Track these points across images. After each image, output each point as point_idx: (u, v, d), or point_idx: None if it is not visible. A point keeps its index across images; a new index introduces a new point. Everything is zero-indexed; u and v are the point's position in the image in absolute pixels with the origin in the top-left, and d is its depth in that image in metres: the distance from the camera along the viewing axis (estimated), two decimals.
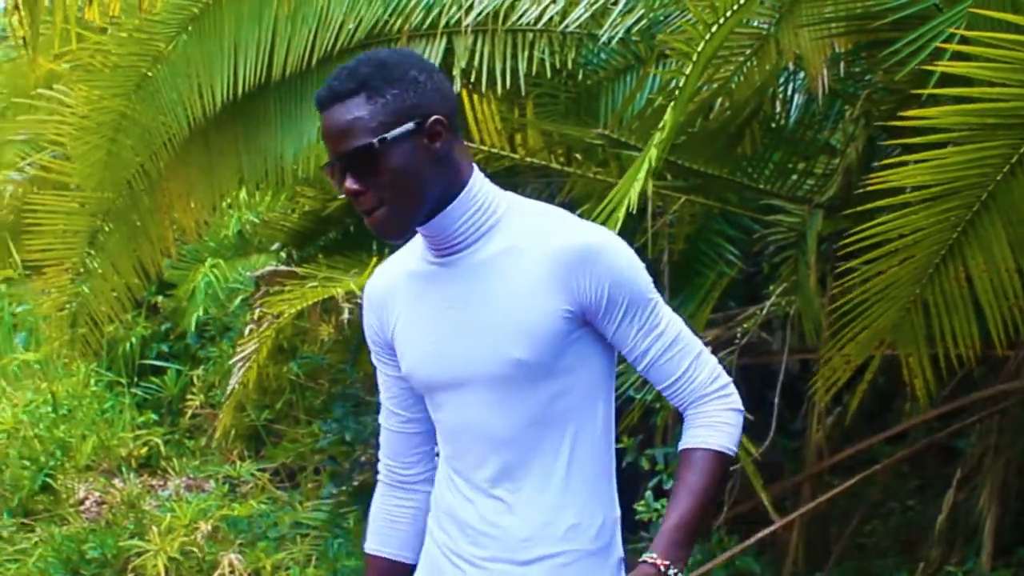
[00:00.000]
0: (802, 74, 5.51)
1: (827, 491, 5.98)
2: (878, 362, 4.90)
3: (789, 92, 5.72)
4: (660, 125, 4.38)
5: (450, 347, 2.68)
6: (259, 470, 8.59)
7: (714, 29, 4.37)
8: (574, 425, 2.68)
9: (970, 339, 4.49)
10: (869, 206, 4.24)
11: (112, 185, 6.64)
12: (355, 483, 7.69)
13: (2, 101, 11.70)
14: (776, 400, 5.84)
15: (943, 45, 4.20)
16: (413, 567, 2.91)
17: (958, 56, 4.20)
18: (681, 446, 2.72)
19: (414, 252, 2.77)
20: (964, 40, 3.94)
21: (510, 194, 2.71)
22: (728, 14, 4.35)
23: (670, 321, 2.69)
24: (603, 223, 4.16)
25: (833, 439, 6.09)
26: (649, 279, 2.68)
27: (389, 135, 2.52)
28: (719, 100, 5.62)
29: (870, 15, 4.86)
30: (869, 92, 5.43)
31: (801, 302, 5.54)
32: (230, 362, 6.54)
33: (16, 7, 5.13)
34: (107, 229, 6.81)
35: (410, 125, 2.54)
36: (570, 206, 6.10)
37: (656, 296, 2.68)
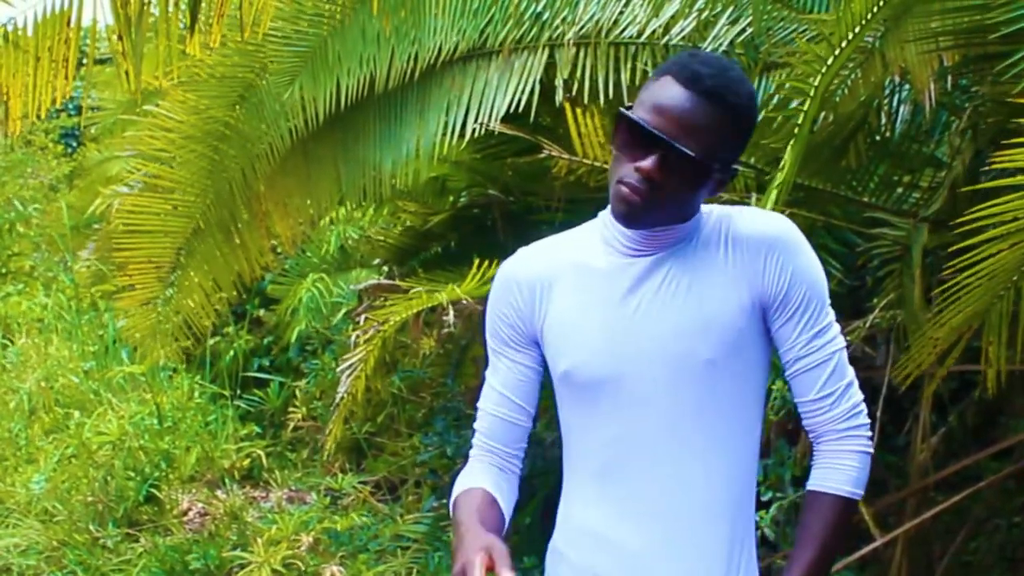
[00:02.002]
0: (908, 86, 5.46)
1: (931, 507, 5.92)
2: (963, 347, 4.75)
3: (895, 104, 5.67)
4: (780, 165, 4.33)
5: (629, 343, 2.62)
6: (360, 483, 8.63)
7: (830, 62, 4.32)
8: (744, 436, 2.66)
9: None
10: (987, 185, 4.14)
11: (214, 193, 6.71)
12: None
13: (110, 117, 11.92)
14: (879, 415, 5.79)
15: None
16: (502, 526, 2.75)
17: None
18: (810, 486, 2.70)
19: (577, 244, 2.73)
20: None
21: (716, 206, 2.71)
22: (843, 44, 4.31)
23: (835, 339, 2.68)
24: None
25: (938, 455, 6.03)
26: (827, 288, 2.67)
27: (715, 168, 2.55)
28: (823, 113, 5.59)
29: (980, 29, 4.81)
30: (976, 105, 5.37)
31: (906, 316, 5.49)
32: (338, 370, 6.56)
33: (119, 37, 5.18)
34: (202, 233, 6.85)
35: (722, 172, 2.59)
36: None
37: (830, 309, 2.67)
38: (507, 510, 2.79)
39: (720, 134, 2.52)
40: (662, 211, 2.56)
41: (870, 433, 2.72)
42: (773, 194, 4.28)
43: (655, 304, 2.61)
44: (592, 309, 2.66)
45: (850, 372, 2.70)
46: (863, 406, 2.71)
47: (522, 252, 2.81)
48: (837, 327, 2.68)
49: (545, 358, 2.77)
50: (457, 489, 2.79)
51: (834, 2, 5.70)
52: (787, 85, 4.94)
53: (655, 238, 2.62)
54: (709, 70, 2.53)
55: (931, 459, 5.95)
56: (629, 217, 2.56)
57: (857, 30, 4.38)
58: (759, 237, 2.59)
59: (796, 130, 4.43)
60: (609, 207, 2.65)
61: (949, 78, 5.35)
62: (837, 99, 5.35)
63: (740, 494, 2.67)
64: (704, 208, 2.67)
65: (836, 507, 2.64)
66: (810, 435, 2.72)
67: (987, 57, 4.96)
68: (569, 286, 2.69)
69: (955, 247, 4.22)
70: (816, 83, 4.39)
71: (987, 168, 4.17)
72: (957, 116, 5.54)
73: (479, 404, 2.86)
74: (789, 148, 4.36)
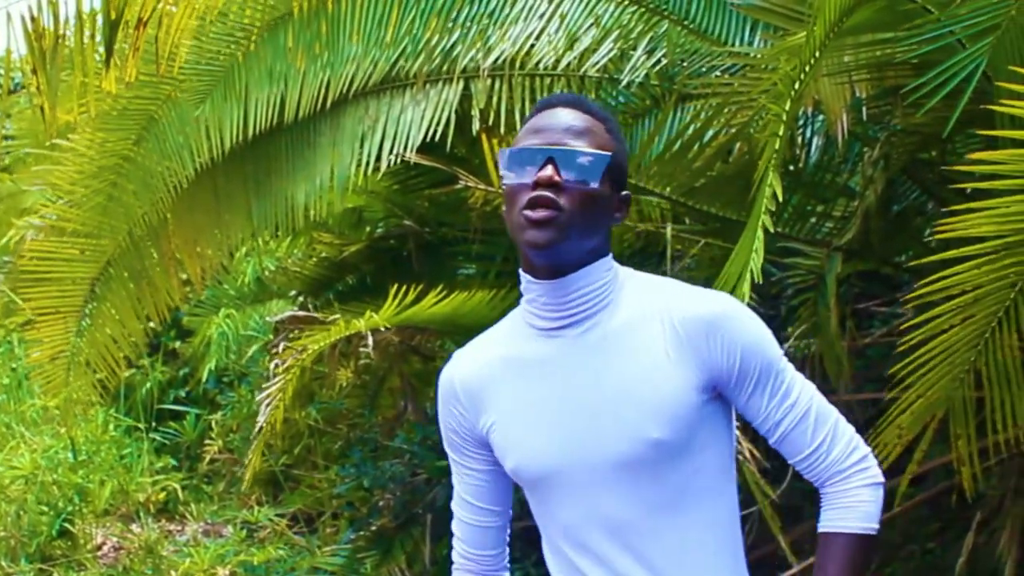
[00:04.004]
0: (821, 117, 5.51)
1: None
2: (930, 440, 4.49)
3: (808, 135, 5.72)
4: (768, 194, 4.13)
5: (573, 432, 2.53)
6: (277, 515, 8.60)
7: (801, 78, 4.30)
8: (707, 510, 2.56)
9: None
10: (933, 258, 3.97)
11: (111, 231, 6.62)
12: (373, 528, 7.66)
13: (22, 148, 11.79)
14: None
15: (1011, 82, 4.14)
16: None
17: (981, 95, 4.21)
18: (820, 528, 2.60)
19: (504, 337, 2.66)
20: (985, 77, 3.92)
21: (627, 268, 2.63)
22: (807, 68, 4.30)
23: (802, 389, 2.58)
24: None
25: None
26: (778, 347, 2.58)
27: (613, 162, 2.50)
28: (737, 144, 5.63)
29: (891, 62, 4.86)
30: (888, 135, 5.43)
31: (821, 344, 5.53)
32: (257, 399, 6.52)
33: (34, 71, 5.13)
34: (108, 276, 6.77)
35: (619, 176, 2.56)
36: None
37: (787, 364, 2.58)
38: None
39: (600, 135, 2.52)
40: (579, 228, 2.46)
41: (875, 462, 2.62)
42: (766, 219, 4.06)
43: (593, 387, 2.52)
44: (528, 404, 2.59)
45: (832, 410, 2.61)
46: (858, 437, 2.63)
47: (456, 356, 2.74)
48: (799, 375, 2.60)
49: None
50: None
51: (751, 34, 5.74)
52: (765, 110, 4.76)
53: (574, 296, 2.52)
54: (566, 94, 2.63)
55: None
56: (547, 240, 2.44)
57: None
58: (700, 318, 2.50)
59: (773, 158, 4.27)
60: (523, 286, 2.59)
61: (863, 109, 5.40)
62: (751, 131, 5.38)
63: (717, 558, 2.59)
64: (622, 271, 2.61)
65: (851, 546, 2.56)
66: (815, 483, 2.62)
67: (898, 88, 5.00)
68: (503, 384, 2.62)
69: (908, 323, 4.11)
70: (787, 108, 4.30)
71: (930, 237, 4.06)
72: (870, 146, 5.59)
73: (452, 507, 2.83)
74: (772, 172, 4.16)
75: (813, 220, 5.72)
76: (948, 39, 4.37)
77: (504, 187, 2.53)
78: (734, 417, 2.64)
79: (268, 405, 6.26)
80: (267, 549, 7.80)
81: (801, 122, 5.61)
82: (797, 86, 4.26)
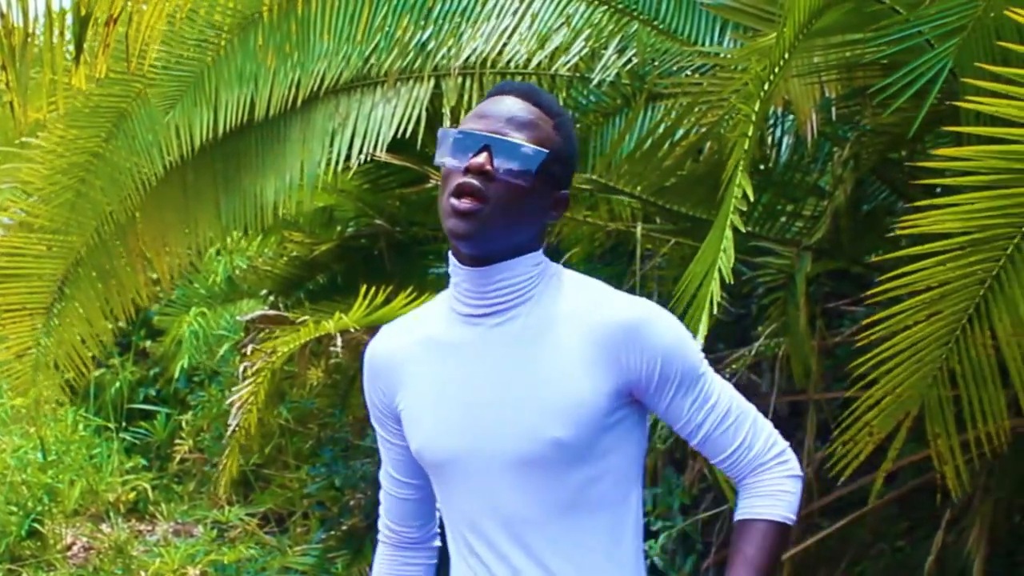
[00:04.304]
0: (791, 117, 5.52)
1: (816, 533, 5.97)
2: (904, 439, 4.44)
3: (778, 135, 5.73)
4: (737, 195, 4.12)
5: (476, 422, 2.52)
6: (247, 515, 8.58)
7: (771, 79, 4.31)
8: (607, 515, 2.54)
9: (999, 414, 4.17)
10: (898, 254, 3.96)
11: (79, 228, 6.59)
12: (344, 527, 7.66)
13: None
14: None
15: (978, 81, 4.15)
16: None
17: (949, 95, 4.22)
18: (739, 516, 2.61)
19: (430, 317, 2.64)
20: (952, 75, 3.93)
21: (556, 265, 2.61)
22: (776, 69, 4.30)
23: (721, 390, 2.59)
24: (692, 300, 4.12)
25: (822, 480, 6.08)
26: (699, 351, 2.59)
27: (550, 159, 2.47)
28: (708, 144, 5.64)
29: (860, 62, 4.87)
30: (858, 135, 5.44)
31: (791, 344, 5.54)
32: (226, 403, 6.50)
33: (3, 68, 5.11)
34: (77, 274, 6.74)
35: (560, 174, 2.53)
36: (558, 249, 6.15)
37: (707, 367, 2.59)
38: None
39: (544, 130, 2.48)
40: (504, 220, 2.45)
41: (794, 456, 2.65)
42: (736, 219, 4.04)
43: (501, 379, 2.51)
44: (439, 388, 2.57)
45: (751, 407, 2.64)
46: (776, 432, 2.65)
47: (383, 332, 2.73)
48: (717, 376, 2.62)
49: None
50: None
51: (720, 34, 5.76)
52: (736, 109, 4.70)
53: (495, 287, 2.50)
54: (522, 83, 2.59)
55: (816, 484, 6.00)
56: (467, 231, 2.43)
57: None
58: (620, 324, 2.49)
59: (743, 157, 4.24)
60: (450, 269, 2.57)
61: (833, 109, 5.41)
62: (721, 130, 5.39)
63: (612, 564, 2.57)
64: (551, 268, 2.59)
65: (772, 533, 2.57)
66: (736, 479, 2.64)
67: (867, 88, 5.02)
68: (420, 363, 2.61)
69: (871, 319, 4.11)
70: (757, 108, 4.28)
71: (893, 234, 4.06)
72: (839, 146, 5.60)
73: (380, 479, 2.84)
74: (741, 173, 4.14)
75: (783, 219, 5.73)
76: (916, 39, 4.39)
77: (440, 169, 2.51)
78: (648, 425, 2.62)
79: (240, 409, 6.24)
80: (238, 549, 7.78)
81: (771, 122, 5.62)
82: (767, 87, 4.26)
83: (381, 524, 2.85)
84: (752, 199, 4.12)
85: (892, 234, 4.08)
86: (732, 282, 3.99)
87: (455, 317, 2.57)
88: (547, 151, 2.46)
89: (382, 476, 2.81)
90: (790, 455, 2.65)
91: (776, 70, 4.25)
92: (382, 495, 2.83)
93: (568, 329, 2.50)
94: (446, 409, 2.56)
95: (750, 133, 4.22)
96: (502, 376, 2.51)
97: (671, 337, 2.53)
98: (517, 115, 2.48)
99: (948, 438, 4.28)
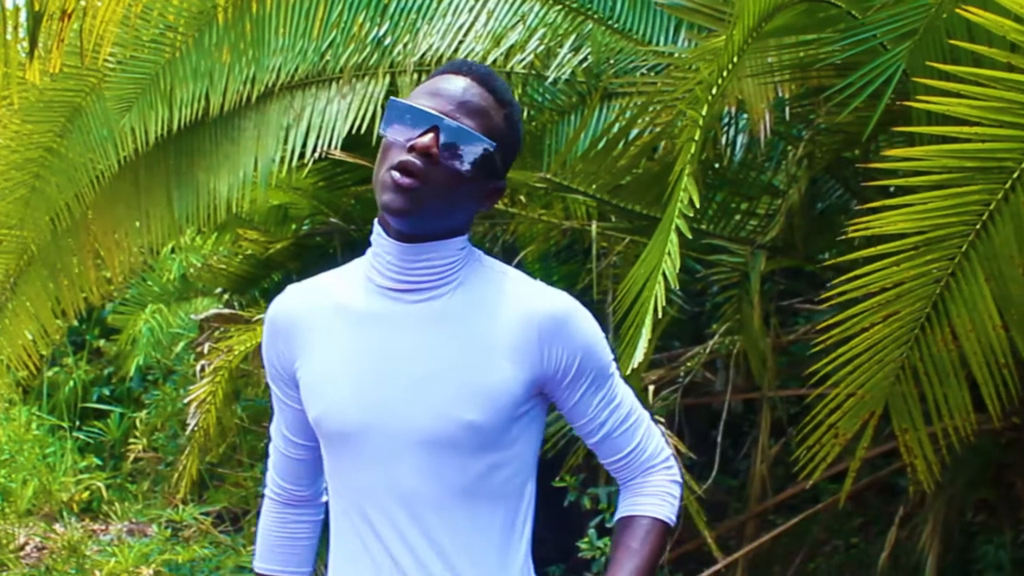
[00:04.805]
0: (745, 116, 5.54)
1: (771, 530, 6.00)
2: (855, 436, 4.39)
3: (732, 134, 5.75)
4: (683, 198, 4.11)
5: (386, 395, 2.46)
6: (202, 514, 8.52)
7: (719, 82, 4.31)
8: (504, 504, 2.53)
9: (964, 409, 4.18)
10: (853, 256, 4.00)
11: (33, 224, 6.53)
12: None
13: None
14: (719, 439, 5.86)
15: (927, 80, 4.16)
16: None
17: (902, 95, 4.24)
18: (624, 513, 2.65)
19: (341, 284, 2.57)
20: (905, 76, 3.95)
21: (478, 251, 2.59)
22: (725, 73, 4.31)
23: (624, 393, 2.63)
24: (640, 301, 4.12)
25: (777, 477, 6.12)
26: (610, 351, 2.61)
27: (495, 151, 2.45)
28: (662, 143, 5.65)
29: (814, 62, 4.89)
30: (812, 134, 5.47)
31: (745, 341, 5.57)
32: (185, 400, 6.46)
33: None
34: (28, 272, 6.70)
35: (500, 165, 2.50)
36: (514, 247, 6.15)
37: (615, 368, 2.62)
38: (309, 557, 2.86)
39: (495, 120, 2.46)
40: (440, 203, 2.42)
41: (676, 463, 2.70)
42: (682, 223, 4.04)
43: (417, 356, 2.47)
44: (346, 356, 2.51)
45: (645, 413, 2.69)
46: (663, 438, 2.71)
47: (290, 290, 2.65)
48: (621, 379, 2.65)
49: None
50: (261, 552, 2.85)
51: (675, 34, 5.77)
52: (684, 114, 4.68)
53: (420, 265, 2.48)
54: (479, 65, 2.54)
55: (770, 482, 6.04)
56: (403, 207, 2.38)
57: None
58: (546, 315, 2.49)
59: (689, 161, 4.24)
60: (373, 237, 2.53)
61: (787, 108, 5.44)
62: (675, 129, 5.41)
63: (503, 553, 2.55)
64: (475, 254, 2.57)
65: (657, 530, 2.61)
66: (624, 480, 2.68)
67: (821, 88, 5.04)
68: (328, 329, 2.54)
69: (828, 321, 4.12)
70: (704, 113, 4.31)
71: (846, 236, 4.07)
72: (793, 145, 5.63)
73: (271, 434, 2.78)
74: (687, 177, 4.14)
75: (737, 218, 5.76)
76: (871, 42, 4.41)
77: (384, 140, 2.46)
78: (544, 420, 2.63)
79: (199, 408, 6.21)
80: (192, 548, 7.73)
81: (725, 121, 5.64)
82: (714, 90, 4.28)
83: (269, 480, 2.80)
84: (698, 204, 4.11)
85: (846, 236, 4.08)
86: (677, 287, 3.99)
87: (372, 288, 2.52)
88: (494, 144, 2.45)
89: (274, 433, 2.75)
90: (674, 462, 2.70)
91: (724, 74, 4.27)
92: (272, 451, 2.77)
93: (492, 315, 2.49)
94: (353, 379, 2.50)
95: (696, 137, 4.22)
96: (420, 353, 2.47)
97: (592, 333, 2.55)
98: (470, 100, 2.45)
99: (916, 431, 4.30)
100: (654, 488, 2.65)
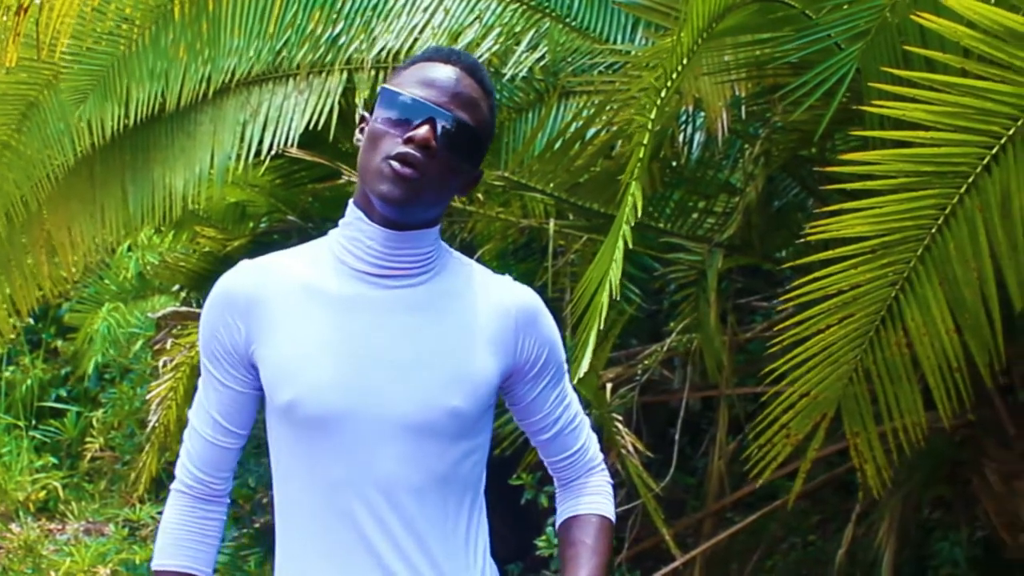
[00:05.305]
0: (702, 114, 5.55)
1: (728, 527, 6.02)
2: (809, 434, 4.37)
3: (689, 132, 5.76)
4: (630, 203, 4.10)
5: (370, 381, 2.43)
6: (159, 513, 8.48)
7: (663, 94, 4.31)
8: (470, 491, 2.55)
9: (915, 412, 4.20)
10: (811, 259, 4.00)
11: None
12: (256, 525, 7.63)
13: None
14: (677, 437, 5.87)
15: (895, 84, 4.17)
16: None
17: (858, 94, 4.26)
18: (572, 512, 2.70)
19: (305, 265, 2.52)
20: (860, 75, 3.96)
21: (443, 242, 2.60)
22: (673, 76, 4.31)
23: (572, 393, 2.71)
24: (585, 308, 4.12)
25: (734, 475, 6.13)
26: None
27: (483, 142, 2.49)
28: (620, 142, 5.65)
29: (770, 60, 4.90)
30: (769, 132, 5.48)
31: (702, 339, 5.58)
32: (147, 398, 6.43)
33: None
34: None
35: (483, 154, 2.53)
36: (471, 245, 6.14)
37: (566, 367, 2.68)
38: (214, 557, 2.67)
39: (483, 111, 2.48)
40: (436, 194, 2.44)
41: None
42: (627, 229, 4.03)
43: (401, 342, 2.45)
44: (326, 338, 2.45)
45: (585, 417, 2.74)
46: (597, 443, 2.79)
47: (244, 265, 2.56)
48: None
49: (262, 385, 2.54)
50: (169, 548, 2.62)
51: (632, 32, 5.77)
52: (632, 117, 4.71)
53: (405, 252, 2.47)
54: (465, 54, 2.54)
55: (728, 479, 6.05)
56: (402, 198, 2.38)
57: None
58: (517, 308, 2.54)
59: (637, 166, 4.24)
60: (347, 220, 2.52)
61: (743, 107, 5.45)
62: (628, 129, 5.41)
63: (473, 537, 2.58)
64: (443, 243, 2.58)
65: (607, 528, 2.67)
66: (566, 479, 2.73)
67: (777, 87, 5.06)
68: (297, 310, 2.47)
69: (785, 323, 4.11)
70: (653, 116, 4.29)
71: (804, 238, 4.08)
72: (750, 143, 5.64)
73: (190, 417, 2.62)
74: (634, 184, 4.14)
75: (695, 216, 5.77)
76: (826, 41, 4.43)
77: (373, 125, 2.46)
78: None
79: (160, 405, 6.19)
80: (149, 547, 7.70)
81: (682, 119, 5.64)
82: (664, 93, 4.28)
83: (182, 471, 2.63)
84: (640, 213, 4.10)
85: (801, 238, 4.09)
86: (618, 296, 3.99)
87: (346, 271, 2.49)
88: (486, 137, 2.50)
89: (197, 418, 2.60)
90: (604, 465, 2.78)
91: (674, 76, 4.27)
92: (191, 438, 2.61)
93: (470, 304, 2.53)
94: (334, 362, 2.44)
95: (645, 141, 4.22)
96: (403, 339, 2.46)
97: (554, 329, 2.63)
98: (463, 91, 2.45)
99: (867, 435, 4.31)
100: (597, 488, 2.72)
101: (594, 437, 2.74)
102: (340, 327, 2.46)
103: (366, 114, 2.53)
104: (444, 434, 2.46)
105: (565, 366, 2.65)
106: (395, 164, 2.38)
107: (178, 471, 2.64)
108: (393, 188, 2.38)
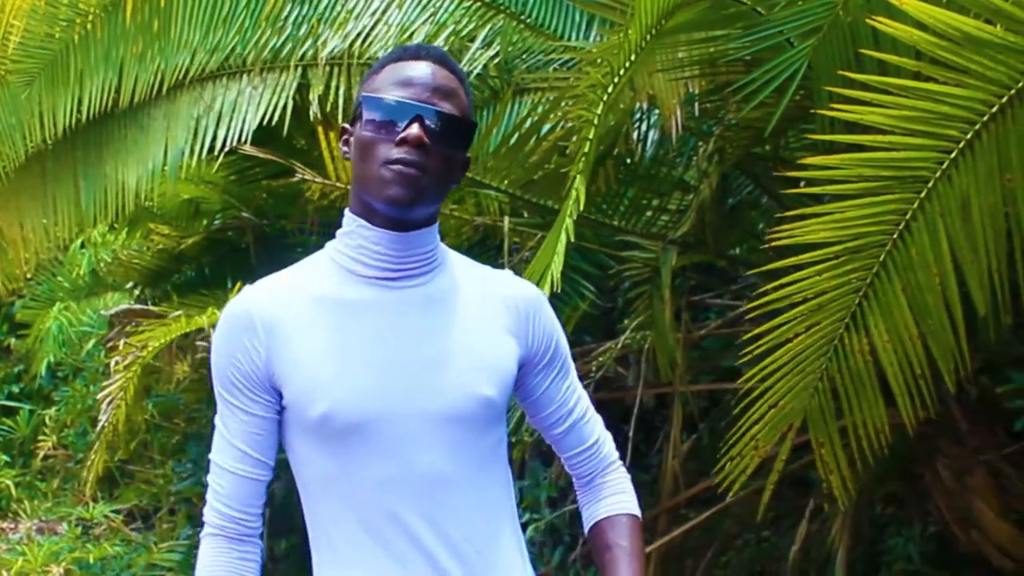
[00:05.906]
0: (656, 112, 5.56)
1: (683, 524, 6.03)
2: (788, 450, 4.37)
3: (643, 130, 5.76)
4: (574, 197, 4.07)
5: (402, 381, 2.43)
6: (112, 512, 8.47)
7: (610, 90, 4.31)
8: (504, 472, 2.57)
9: (879, 420, 4.16)
10: (775, 265, 3.95)
11: None
12: None
13: None
14: (631, 434, 5.88)
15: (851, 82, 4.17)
16: None
17: (809, 92, 4.27)
18: (605, 514, 2.67)
19: (312, 278, 2.51)
20: (812, 72, 3.96)
21: (446, 247, 2.63)
22: (621, 72, 4.31)
23: (583, 389, 2.71)
24: None
25: (688, 472, 6.15)
26: None
27: (470, 127, 2.50)
28: (573, 138, 5.64)
29: (723, 58, 4.91)
30: (722, 130, 5.49)
31: (656, 337, 5.59)
32: (98, 397, 6.39)
33: None
34: None
35: (471, 139, 2.52)
36: None
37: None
38: None
39: (463, 98, 2.49)
40: (438, 187, 2.45)
41: None
42: (569, 224, 3.98)
43: (424, 339, 2.46)
44: (348, 347, 2.43)
45: (597, 414, 2.74)
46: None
47: (252, 289, 2.52)
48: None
49: (285, 406, 2.49)
50: None
51: (588, 29, 5.77)
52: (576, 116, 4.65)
53: (414, 252, 2.48)
54: (432, 47, 2.55)
55: (682, 476, 6.06)
56: (409, 198, 2.39)
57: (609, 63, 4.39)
58: (522, 299, 2.57)
59: (582, 161, 4.22)
60: (347, 230, 2.50)
61: (696, 105, 5.45)
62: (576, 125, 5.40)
63: (508, 519, 2.58)
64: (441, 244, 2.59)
65: (639, 528, 2.67)
66: (585, 475, 2.71)
67: (731, 84, 5.06)
68: (313, 325, 2.45)
69: (752, 333, 4.08)
70: (599, 112, 4.27)
71: (765, 246, 4.07)
72: (704, 141, 5.65)
73: (213, 457, 2.54)
74: (579, 177, 4.12)
75: (649, 214, 5.77)
76: (777, 38, 4.44)
77: (359, 134, 2.46)
78: None
79: (110, 404, 6.15)
80: (103, 546, 7.68)
81: (636, 117, 5.65)
82: (611, 89, 4.28)
83: (213, 514, 2.54)
84: (582, 207, 4.09)
85: (767, 245, 4.08)
86: (560, 290, 3.98)
87: (351, 278, 2.49)
88: (473, 122, 2.52)
89: (223, 454, 2.52)
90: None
91: (621, 72, 4.27)
92: (219, 478, 2.53)
93: (479, 295, 2.55)
94: (360, 369, 2.43)
95: (591, 136, 4.22)
96: (425, 336, 2.47)
97: (557, 321, 2.65)
98: (442, 84, 2.46)
99: (832, 447, 4.28)
100: (619, 485, 2.70)
101: (608, 435, 2.73)
102: (360, 334, 2.46)
103: (347, 126, 2.54)
104: (479, 423, 2.48)
105: (570, 358, 2.67)
106: (395, 167, 2.39)
107: (207, 515, 2.56)
108: (399, 190, 2.39)
